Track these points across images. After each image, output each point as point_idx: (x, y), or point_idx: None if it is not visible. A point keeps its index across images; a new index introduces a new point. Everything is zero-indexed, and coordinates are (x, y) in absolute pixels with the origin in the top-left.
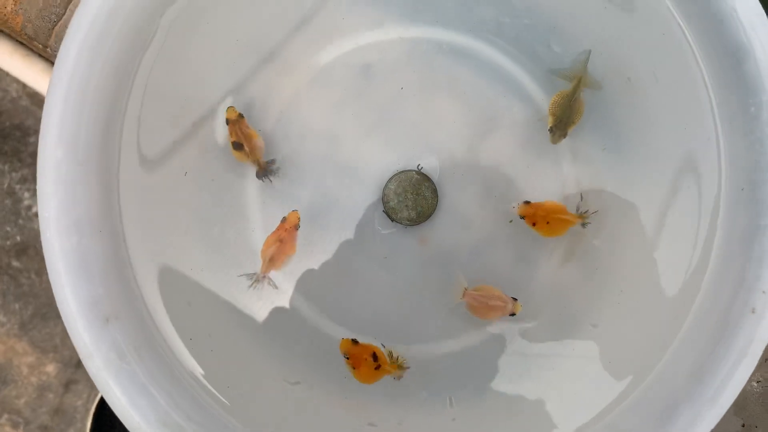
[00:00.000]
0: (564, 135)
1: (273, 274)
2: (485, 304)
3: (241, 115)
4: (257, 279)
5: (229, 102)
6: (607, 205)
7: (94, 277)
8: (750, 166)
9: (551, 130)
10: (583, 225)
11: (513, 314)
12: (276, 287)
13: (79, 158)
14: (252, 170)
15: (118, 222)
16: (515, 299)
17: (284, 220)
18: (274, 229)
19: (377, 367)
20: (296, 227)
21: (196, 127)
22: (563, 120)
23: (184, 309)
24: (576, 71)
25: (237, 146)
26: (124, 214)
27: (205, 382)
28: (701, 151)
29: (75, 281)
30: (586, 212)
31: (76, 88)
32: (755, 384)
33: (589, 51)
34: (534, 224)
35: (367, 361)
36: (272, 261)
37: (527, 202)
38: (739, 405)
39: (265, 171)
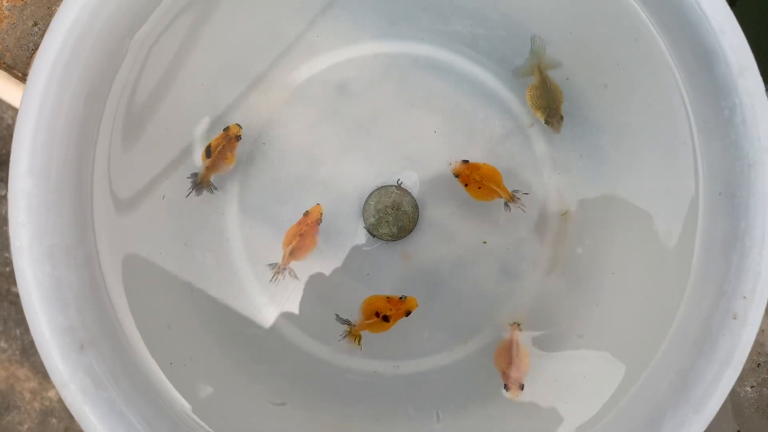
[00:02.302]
0: (561, 118)
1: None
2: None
3: (238, 138)
4: (278, 270)
5: (205, 124)
6: (588, 213)
7: (69, 305)
8: (726, 169)
9: (547, 122)
10: (506, 204)
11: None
12: (297, 278)
13: (51, 186)
14: (231, 189)
15: (93, 247)
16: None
17: (307, 213)
18: (291, 225)
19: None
20: (318, 222)
21: (172, 151)
22: (551, 107)
23: (164, 332)
24: (533, 60)
25: (208, 152)
26: (98, 240)
27: (184, 406)
28: (678, 156)
29: (49, 309)
30: (516, 192)
31: (47, 115)
32: (749, 389)
33: (534, 36)
34: (466, 185)
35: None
36: (293, 254)
37: (465, 162)
38: (735, 410)
39: (200, 186)
